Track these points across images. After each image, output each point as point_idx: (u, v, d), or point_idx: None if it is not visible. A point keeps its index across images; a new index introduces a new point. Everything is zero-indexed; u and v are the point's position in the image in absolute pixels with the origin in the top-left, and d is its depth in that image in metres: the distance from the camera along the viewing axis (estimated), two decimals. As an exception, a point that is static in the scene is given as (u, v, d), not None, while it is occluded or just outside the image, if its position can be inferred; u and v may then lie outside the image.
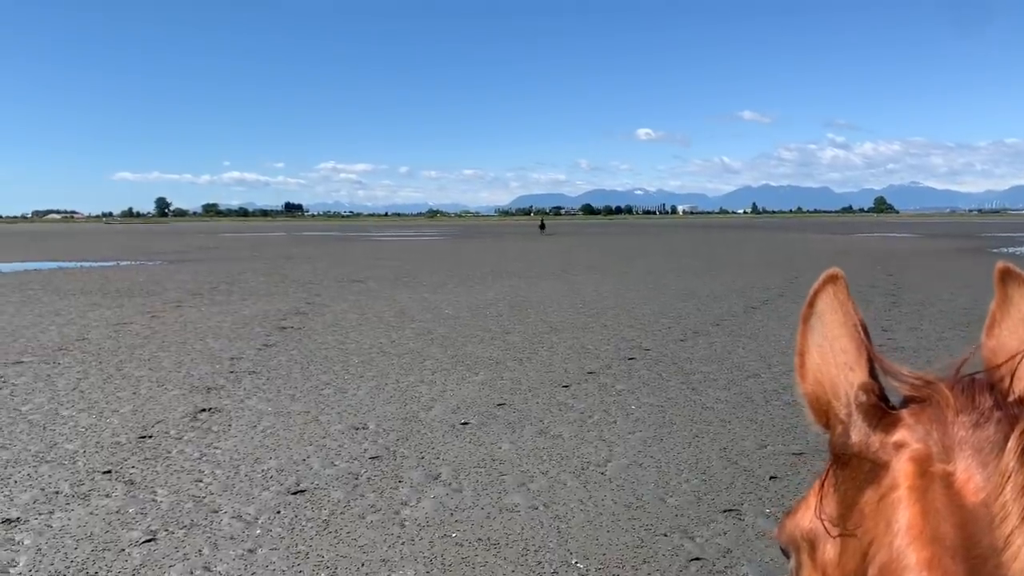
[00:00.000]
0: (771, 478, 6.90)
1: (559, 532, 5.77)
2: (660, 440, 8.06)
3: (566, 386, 10.51)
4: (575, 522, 5.96)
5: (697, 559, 5.32)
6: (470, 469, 7.19)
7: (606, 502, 6.37)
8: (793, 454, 7.52)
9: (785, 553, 0.95)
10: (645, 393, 10.09)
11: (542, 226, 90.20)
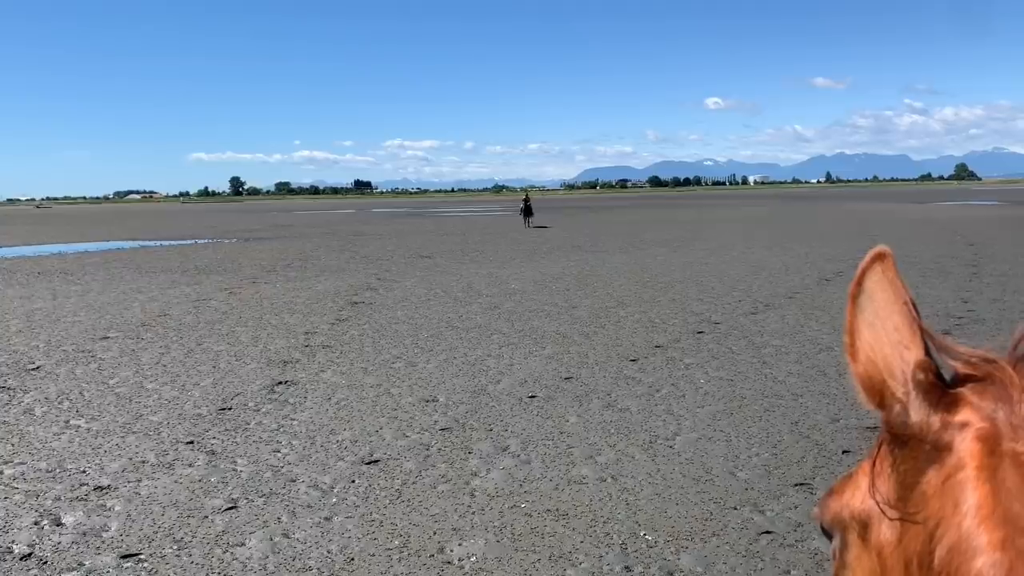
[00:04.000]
0: (844, 452, 6.79)
1: (627, 504, 5.81)
2: (730, 414, 7.99)
3: (633, 360, 10.48)
4: (643, 495, 5.99)
5: (767, 532, 5.29)
6: (538, 441, 7.26)
7: (674, 475, 6.37)
8: (867, 428, 7.38)
9: (826, 533, 0.93)
10: (714, 367, 10.00)
11: (526, 210, 48.21)
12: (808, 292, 16.37)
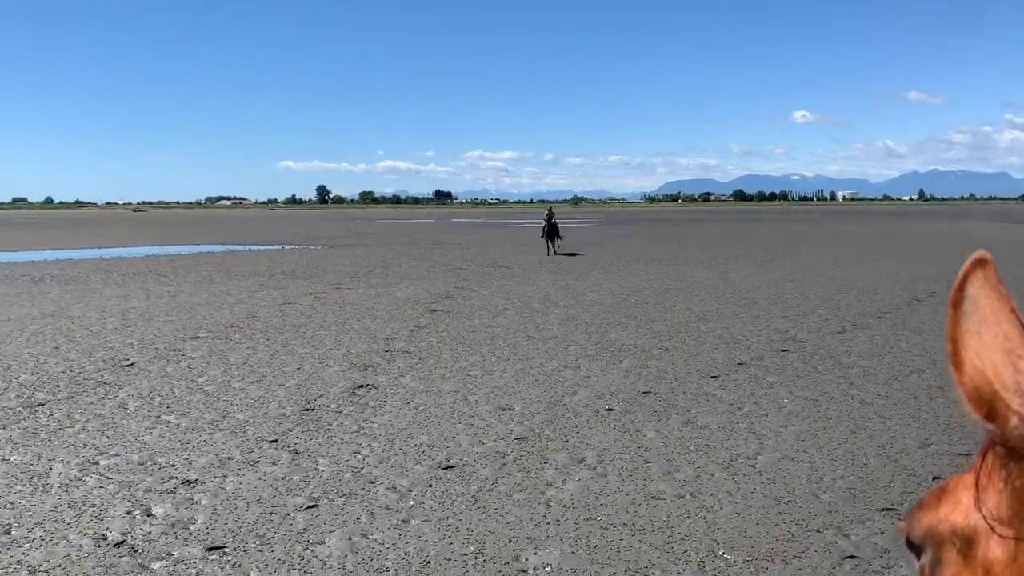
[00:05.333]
0: (935, 478, 6.52)
1: (706, 522, 5.70)
2: (814, 435, 7.77)
3: (714, 376, 10.30)
4: (723, 513, 5.87)
5: (851, 557, 5.12)
6: (615, 455, 7.20)
7: (755, 495, 6.23)
8: (959, 455, 7.07)
9: (913, 548, 0.88)
10: (799, 386, 9.75)
11: (550, 231, 35.08)
12: (898, 312, 15.81)
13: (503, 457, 7.13)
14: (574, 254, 33.87)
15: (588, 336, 13.32)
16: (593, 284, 21.65)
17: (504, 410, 8.70)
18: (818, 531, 5.53)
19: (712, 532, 5.53)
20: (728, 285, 21.23)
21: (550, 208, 37.51)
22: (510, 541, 5.39)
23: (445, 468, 6.83)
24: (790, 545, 5.33)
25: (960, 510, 0.83)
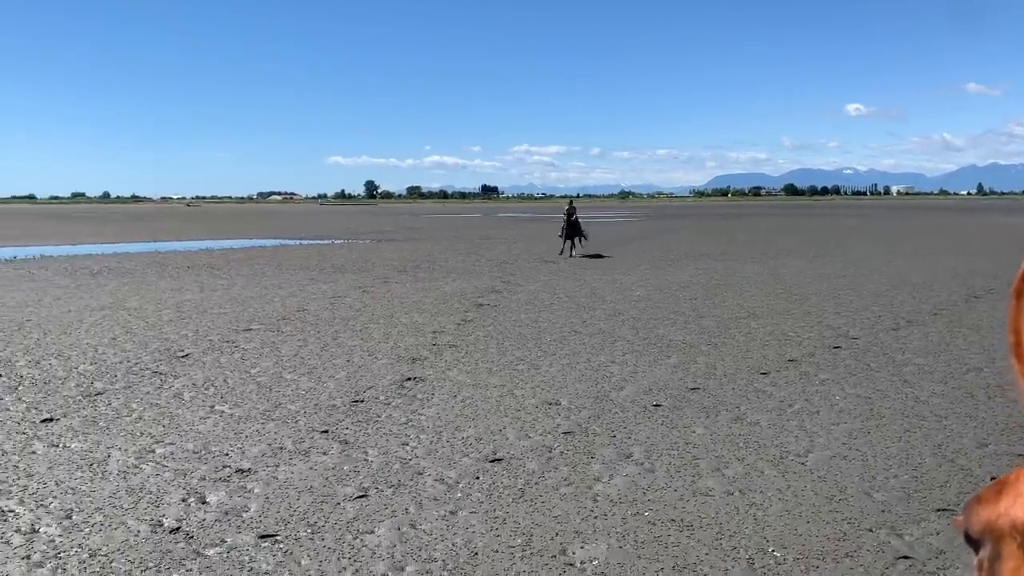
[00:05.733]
0: (992, 479, 6.34)
1: (755, 519, 5.64)
2: (867, 433, 7.63)
3: (764, 373, 10.17)
4: (772, 511, 5.80)
5: (905, 558, 5.02)
6: (662, 451, 7.16)
7: (806, 493, 6.14)
8: (1019, 455, 6.88)
9: (971, 542, 0.87)
10: (851, 384, 9.57)
11: (570, 228, 29.82)
12: (955, 309, 15.42)
13: (550, 451, 7.14)
14: (598, 256, 29.26)
15: (635, 331, 13.26)
16: (640, 279, 21.52)
17: (551, 405, 8.71)
18: (871, 530, 5.44)
19: (761, 529, 5.47)
20: (779, 280, 20.93)
21: (571, 202, 32.55)
22: (557, 534, 5.40)
23: (492, 461, 6.87)
24: (841, 544, 5.25)
25: (1021, 504, 0.82)
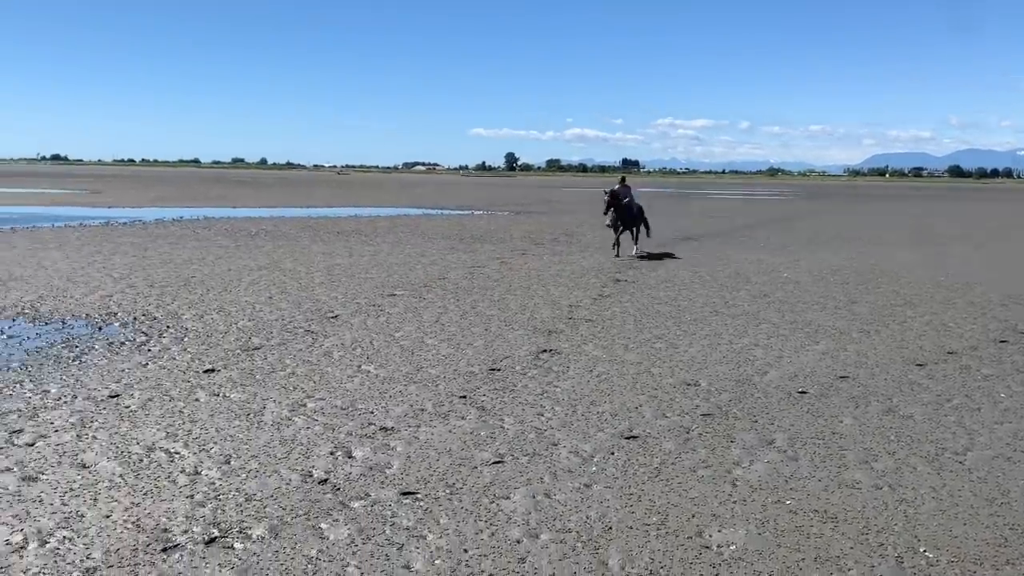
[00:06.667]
0: None
1: (906, 516, 5.34)
2: (1035, 435, 7.06)
3: (920, 365, 9.59)
4: (925, 509, 5.47)
5: (1079, 574, 4.62)
6: (807, 439, 6.89)
7: (963, 493, 5.76)
8: None
9: None
10: (1018, 381, 8.88)
11: (622, 218, 20.98)
12: None
13: (687, 432, 7.02)
14: (666, 256, 21.56)
15: (781, 315, 12.79)
16: (789, 260, 20.72)
17: (689, 385, 8.55)
18: (1038, 540, 5.04)
19: (912, 528, 5.18)
20: (940, 268, 19.65)
21: (622, 179, 22.79)
22: (693, 516, 5.31)
23: (628, 438, 6.82)
24: (1002, 550, 4.90)
25: None
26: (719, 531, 5.10)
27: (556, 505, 5.43)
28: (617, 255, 20.70)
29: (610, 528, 5.09)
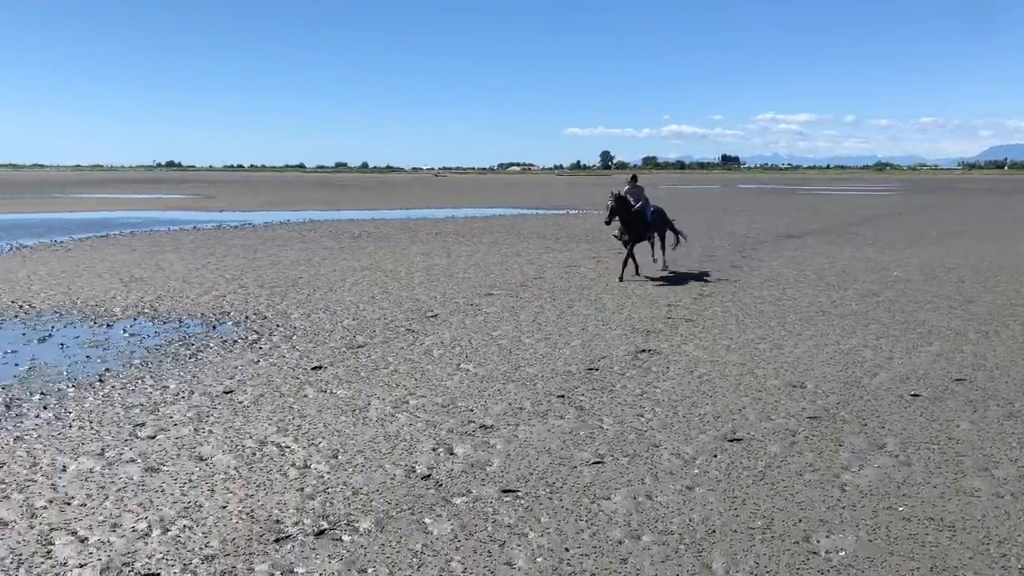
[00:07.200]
0: None
1: (1031, 529, 5.06)
2: None
3: (1045, 367, 9.06)
4: (1053, 521, 5.17)
5: None
6: (920, 444, 6.61)
7: (1096, 505, 5.42)
8: None
9: None
10: None
11: (633, 228, 16.32)
12: None
13: (793, 435, 6.84)
14: (698, 276, 16.60)
15: (891, 314, 12.29)
16: (898, 258, 19.89)
17: (795, 387, 8.32)
18: None
19: (1039, 541, 4.90)
20: (1065, 265, 18.48)
21: (633, 178, 18.50)
22: (800, 521, 5.17)
23: (731, 440, 6.69)
24: None
25: None
26: (827, 537, 4.95)
27: (658, 507, 5.38)
28: (621, 278, 15.91)
29: (713, 531, 5.02)
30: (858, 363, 9.28)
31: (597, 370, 9.00)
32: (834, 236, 26.49)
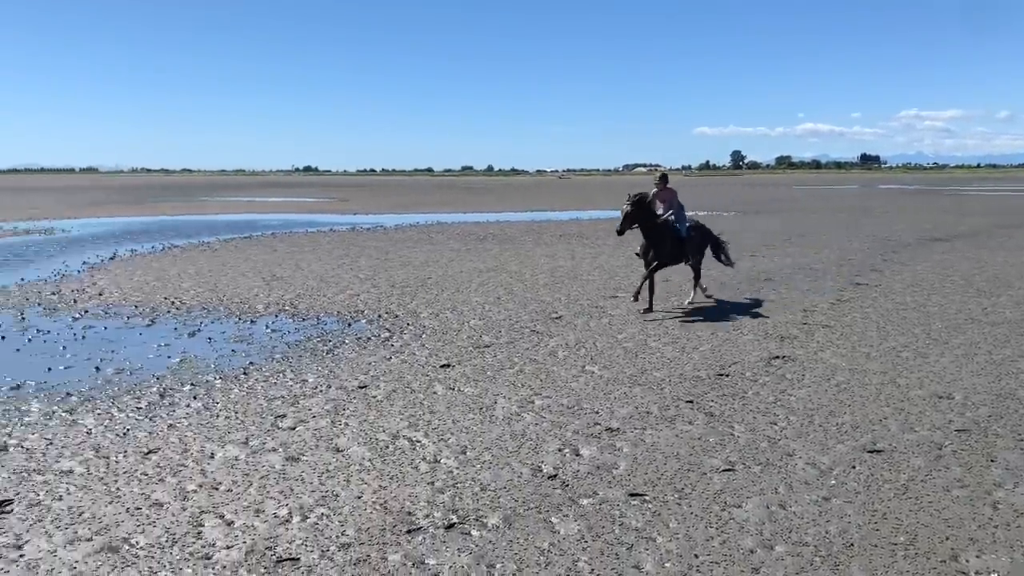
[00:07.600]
0: None
1: None
2: None
3: None
4: None
5: None
6: (1086, 463, 6.11)
7: None
8: None
9: None
10: None
11: (658, 251, 12.45)
12: None
13: (939, 448, 6.46)
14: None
15: (1050, 323, 11.41)
16: (1057, 263, 18.43)
17: (941, 398, 7.86)
18: None
19: None
20: None
21: (662, 178, 14.55)
22: (947, 538, 4.88)
23: (870, 451, 6.39)
24: None
25: None
26: (977, 556, 4.65)
27: (792, 517, 5.21)
28: (648, 307, 12.53)
29: (851, 545, 4.81)
30: (1012, 374, 8.67)
31: (728, 376, 8.78)
32: (984, 239, 24.84)
